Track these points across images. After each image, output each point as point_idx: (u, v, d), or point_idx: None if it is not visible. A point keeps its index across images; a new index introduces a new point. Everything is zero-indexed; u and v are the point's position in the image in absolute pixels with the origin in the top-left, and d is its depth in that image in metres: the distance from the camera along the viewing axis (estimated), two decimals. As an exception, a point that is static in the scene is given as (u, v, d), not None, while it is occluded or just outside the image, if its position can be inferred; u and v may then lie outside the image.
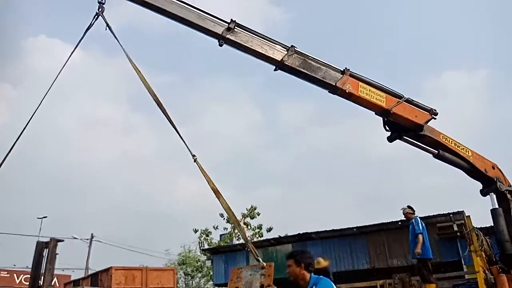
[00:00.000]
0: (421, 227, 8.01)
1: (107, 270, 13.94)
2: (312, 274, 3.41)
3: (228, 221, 27.30)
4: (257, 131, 65.79)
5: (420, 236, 7.89)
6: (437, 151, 7.44)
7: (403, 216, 8.58)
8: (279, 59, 6.36)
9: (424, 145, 7.45)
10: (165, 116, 3.84)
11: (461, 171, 7.76)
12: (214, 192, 2.88)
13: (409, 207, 8.45)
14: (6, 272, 37.38)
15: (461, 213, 12.40)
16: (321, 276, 3.42)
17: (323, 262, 10.11)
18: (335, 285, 7.85)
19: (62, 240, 10.80)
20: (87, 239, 29.52)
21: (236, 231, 27.25)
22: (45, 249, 10.22)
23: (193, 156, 3.18)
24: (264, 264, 2.36)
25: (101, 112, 64.30)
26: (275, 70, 6.47)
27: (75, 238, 28.55)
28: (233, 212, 2.73)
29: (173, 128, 3.61)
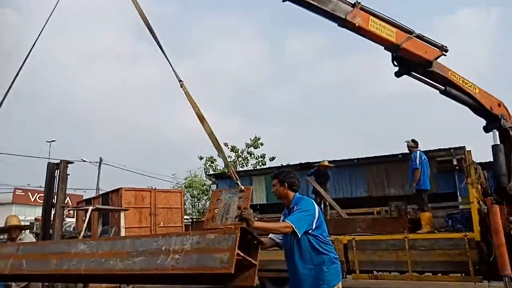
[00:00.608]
0: (418, 162, 8.16)
1: (117, 190, 14.39)
2: (297, 193, 3.39)
3: (232, 150, 28.00)
4: (263, 65, 64.57)
5: (416, 172, 8.13)
6: (444, 87, 7.41)
7: (407, 149, 8.75)
8: None
9: (431, 81, 7.40)
10: (154, 38, 3.61)
11: (467, 107, 7.79)
12: (198, 117, 2.85)
13: (413, 140, 8.58)
14: (21, 191, 39.37)
15: (462, 148, 12.57)
16: (304, 196, 3.37)
17: (326, 163, 10.66)
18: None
19: (72, 162, 11.09)
20: (96, 162, 30.47)
21: (240, 159, 28.07)
22: (56, 170, 10.60)
23: (180, 81, 3.11)
24: (243, 187, 2.47)
25: (107, 42, 62.68)
26: (283, 1, 6.22)
27: (84, 161, 29.45)
28: (216, 138, 2.75)
29: (162, 52, 3.45)
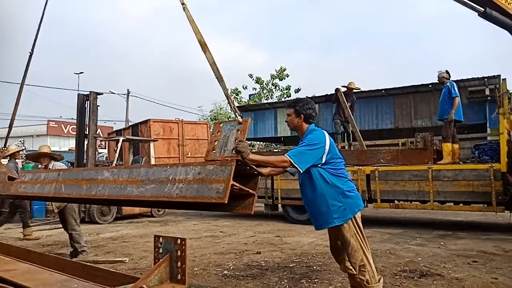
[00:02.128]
0: (457, 91, 7.97)
1: (146, 122, 14.66)
2: (311, 125, 3.12)
3: (256, 82, 27.71)
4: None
5: (457, 99, 7.89)
6: (483, 9, 6.88)
7: (438, 79, 8.44)
8: None
9: (470, 2, 6.86)
10: None
11: (508, 33, 7.27)
12: (200, 45, 2.74)
13: (446, 71, 8.29)
14: (54, 123, 41.07)
15: (496, 77, 12.06)
16: (318, 128, 3.10)
17: (353, 85, 10.39)
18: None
19: (101, 93, 11.31)
20: (124, 94, 30.96)
21: (264, 91, 27.84)
22: (86, 102, 10.84)
23: (183, 4, 2.92)
24: (241, 119, 2.45)
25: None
26: None
27: (112, 93, 29.90)
28: (217, 67, 2.65)
29: None
